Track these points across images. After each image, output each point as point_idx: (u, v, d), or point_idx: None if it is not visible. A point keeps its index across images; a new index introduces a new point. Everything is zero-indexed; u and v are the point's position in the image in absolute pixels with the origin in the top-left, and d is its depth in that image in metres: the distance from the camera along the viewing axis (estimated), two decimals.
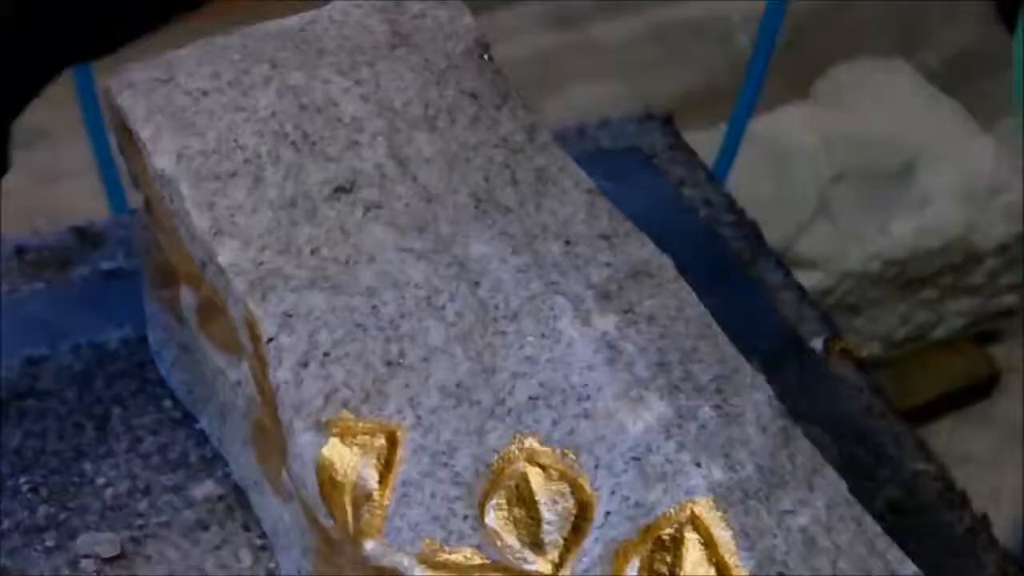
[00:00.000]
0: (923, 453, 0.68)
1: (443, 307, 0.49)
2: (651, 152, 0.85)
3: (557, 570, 0.44)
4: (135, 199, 1.06)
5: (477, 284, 0.50)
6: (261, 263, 0.49)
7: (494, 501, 0.45)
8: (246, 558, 0.57)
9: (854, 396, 0.70)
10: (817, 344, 0.73)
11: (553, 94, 1.73)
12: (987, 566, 0.62)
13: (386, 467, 0.46)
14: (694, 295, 0.52)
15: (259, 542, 0.58)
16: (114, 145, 1.20)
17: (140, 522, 0.58)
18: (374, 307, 0.49)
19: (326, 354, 0.48)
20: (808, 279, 1.55)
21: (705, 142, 1.13)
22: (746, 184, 1.23)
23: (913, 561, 0.46)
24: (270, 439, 0.50)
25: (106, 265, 0.72)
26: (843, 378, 0.71)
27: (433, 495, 0.45)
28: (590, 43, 1.89)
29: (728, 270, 0.76)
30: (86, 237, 0.74)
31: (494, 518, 0.45)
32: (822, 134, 1.75)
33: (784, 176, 1.70)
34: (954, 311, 1.85)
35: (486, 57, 0.57)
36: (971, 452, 1.77)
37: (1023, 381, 1.86)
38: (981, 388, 1.86)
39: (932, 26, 1.96)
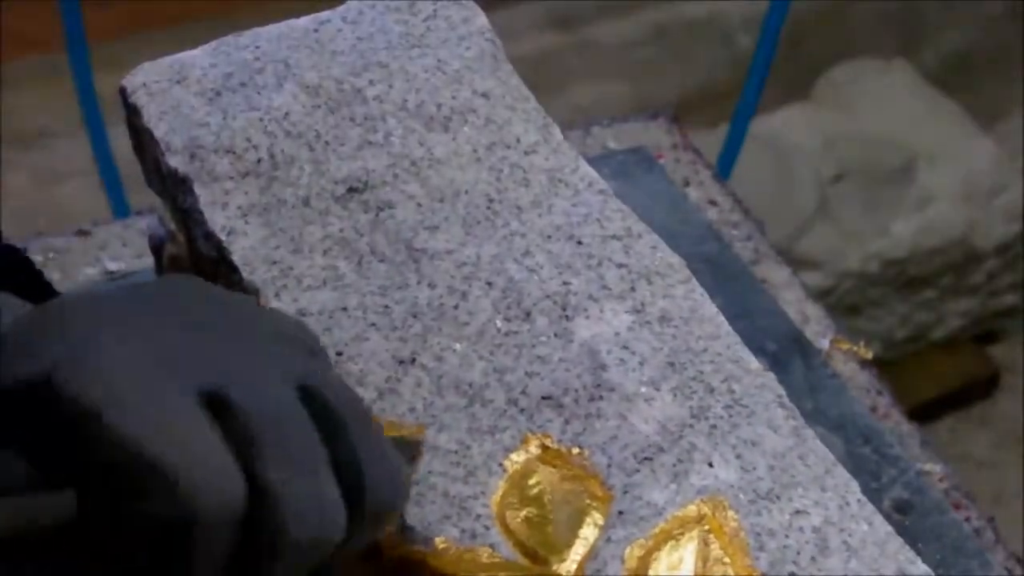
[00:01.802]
0: (929, 453, 0.68)
1: (456, 307, 0.49)
2: (657, 152, 0.85)
3: (569, 569, 0.44)
4: (136, 199, 1.06)
5: (490, 284, 0.50)
6: (274, 262, 0.50)
7: (507, 500, 0.45)
8: None
9: (860, 396, 0.70)
10: (823, 344, 0.73)
11: (554, 94, 1.74)
12: (993, 565, 0.62)
13: None
14: (706, 296, 0.52)
15: None
16: (114, 145, 1.19)
17: None
18: (386, 306, 0.49)
19: (339, 353, 0.48)
20: (808, 279, 1.55)
21: (706, 142, 1.13)
22: (747, 184, 1.24)
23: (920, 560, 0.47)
24: None
25: (112, 265, 0.72)
26: (849, 378, 0.72)
27: (446, 494, 0.45)
28: (590, 43, 1.90)
29: (733, 270, 0.76)
30: (91, 237, 0.74)
31: (507, 517, 0.45)
32: (822, 134, 1.76)
33: (784, 176, 1.71)
34: (954, 311, 1.86)
35: (499, 56, 0.57)
36: (971, 452, 1.77)
37: (1023, 381, 1.86)
38: (981, 388, 1.87)
39: (932, 26, 1.97)
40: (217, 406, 0.34)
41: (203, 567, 0.32)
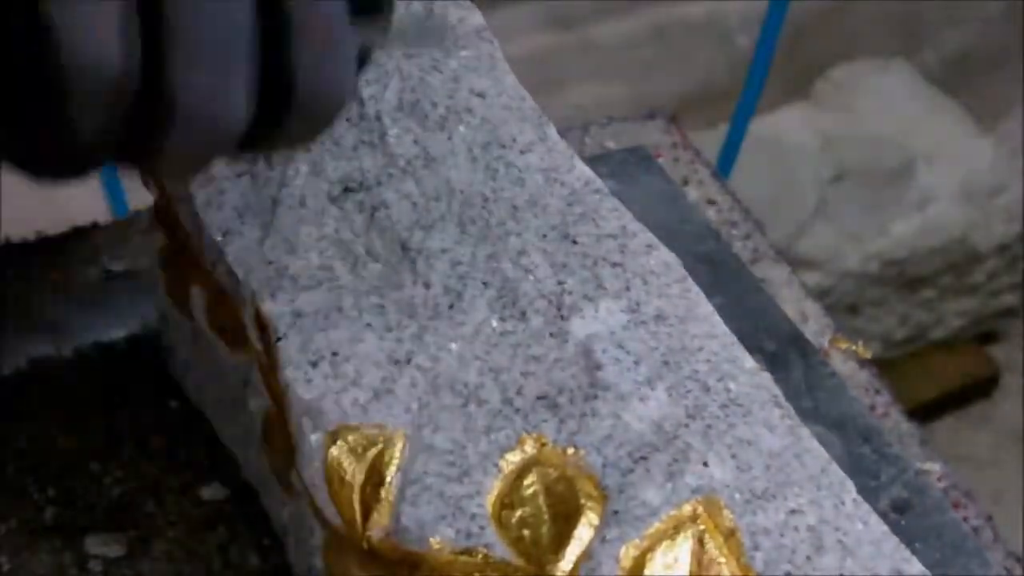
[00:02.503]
0: (928, 452, 0.68)
1: (451, 307, 0.49)
2: (655, 151, 0.85)
3: (564, 569, 0.44)
4: (135, 199, 1.06)
5: (485, 284, 0.50)
6: (270, 262, 0.50)
7: (502, 500, 0.45)
8: (253, 558, 0.58)
9: (859, 395, 0.70)
10: (822, 342, 0.73)
11: (553, 94, 1.73)
12: (992, 565, 0.62)
13: (394, 466, 0.46)
14: (702, 295, 0.52)
15: (267, 541, 0.58)
16: None
17: (147, 522, 0.58)
18: (382, 307, 0.49)
19: (335, 353, 0.48)
20: (808, 279, 1.55)
21: (705, 142, 1.13)
22: (746, 184, 1.24)
23: (918, 560, 0.46)
24: (280, 438, 0.50)
25: (112, 265, 0.72)
26: (848, 377, 0.72)
27: (441, 494, 0.45)
28: (590, 43, 1.89)
29: (732, 269, 0.76)
30: (91, 237, 0.74)
31: (502, 517, 0.45)
32: (822, 134, 1.76)
33: (784, 176, 1.71)
34: (954, 311, 1.86)
35: (495, 56, 0.57)
36: (971, 452, 1.77)
37: (1023, 381, 1.86)
38: (981, 388, 1.87)
39: (932, 26, 1.97)
40: None
41: (80, 125, 0.33)
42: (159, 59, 0.33)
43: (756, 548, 0.45)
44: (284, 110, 0.36)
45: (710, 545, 0.45)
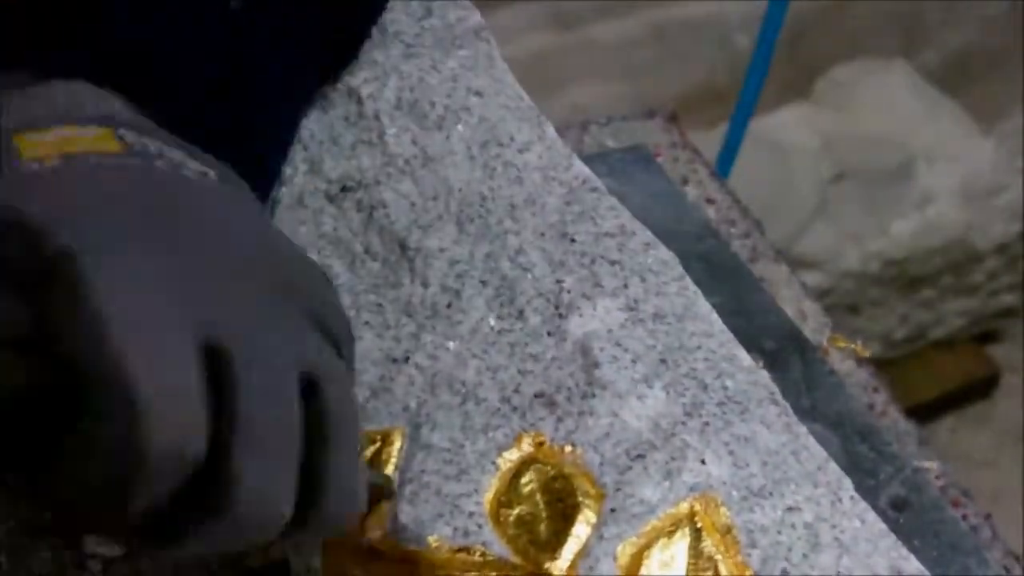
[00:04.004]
0: (926, 450, 0.68)
1: (449, 305, 0.49)
2: (655, 150, 0.85)
3: (562, 567, 0.44)
4: None
5: (483, 283, 0.50)
6: None
7: (500, 498, 0.45)
8: (253, 558, 0.57)
9: (857, 393, 0.70)
10: (820, 341, 0.73)
11: (553, 94, 1.74)
12: (991, 563, 0.62)
13: (392, 464, 0.46)
14: (700, 293, 0.52)
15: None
16: None
17: None
18: (380, 305, 0.49)
19: None
20: (808, 279, 1.55)
21: (705, 142, 1.13)
22: (746, 184, 1.24)
23: (916, 558, 0.47)
24: None
25: None
26: (846, 375, 0.72)
27: (439, 492, 0.45)
28: (590, 43, 1.90)
29: (731, 267, 0.76)
30: None
31: (500, 515, 0.45)
32: (822, 134, 1.76)
33: (784, 176, 1.71)
34: (954, 311, 1.86)
35: (493, 55, 0.57)
36: (971, 452, 1.77)
37: (1023, 381, 1.87)
38: (981, 388, 1.87)
39: (932, 26, 1.97)
40: (214, 359, 0.33)
41: (138, 503, 0.32)
42: (222, 445, 0.33)
43: (753, 545, 0.45)
44: (311, 508, 0.36)
45: (707, 542, 0.45)
